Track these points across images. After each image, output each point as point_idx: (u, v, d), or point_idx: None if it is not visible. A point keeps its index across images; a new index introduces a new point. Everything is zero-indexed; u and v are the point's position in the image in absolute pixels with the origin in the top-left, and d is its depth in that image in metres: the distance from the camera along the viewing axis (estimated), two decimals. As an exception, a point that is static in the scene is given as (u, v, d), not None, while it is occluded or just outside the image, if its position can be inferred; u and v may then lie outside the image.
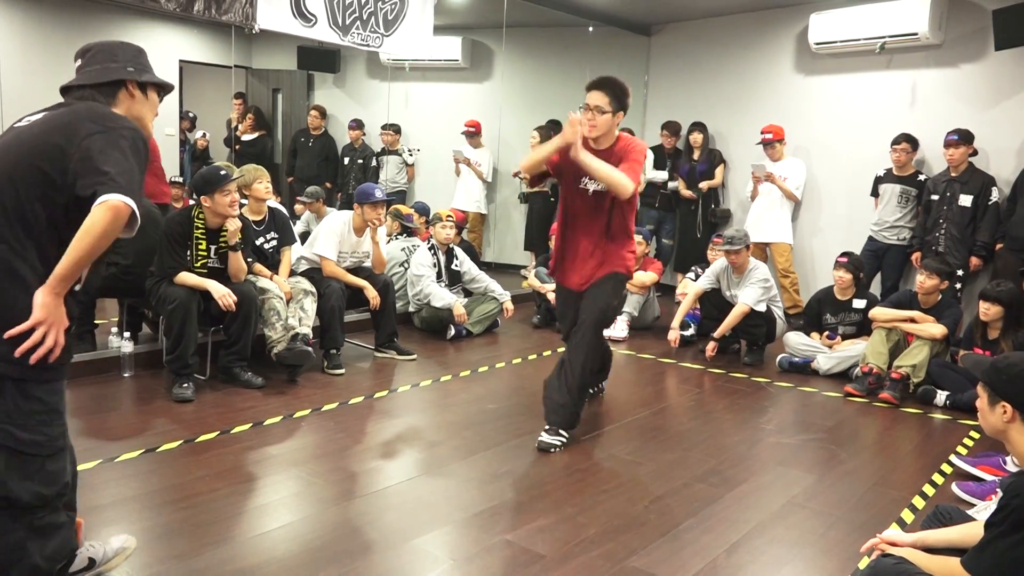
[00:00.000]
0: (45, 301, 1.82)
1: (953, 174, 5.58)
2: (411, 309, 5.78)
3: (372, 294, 4.80)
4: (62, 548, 1.99)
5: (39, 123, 1.95)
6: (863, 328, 5.06)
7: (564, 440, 3.57)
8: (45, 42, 7.18)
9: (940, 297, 4.75)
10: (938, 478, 3.44)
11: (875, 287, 6.04)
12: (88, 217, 1.81)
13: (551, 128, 7.87)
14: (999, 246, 5.39)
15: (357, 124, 8.36)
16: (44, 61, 7.16)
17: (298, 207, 6.85)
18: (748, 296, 5.14)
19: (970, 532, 1.97)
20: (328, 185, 8.33)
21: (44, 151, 1.87)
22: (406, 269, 5.82)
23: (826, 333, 5.20)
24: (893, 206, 5.95)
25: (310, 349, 4.34)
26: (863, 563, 2.46)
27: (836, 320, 5.19)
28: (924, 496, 3.24)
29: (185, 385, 3.95)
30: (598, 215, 3.60)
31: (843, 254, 5.19)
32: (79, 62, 2.11)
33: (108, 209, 1.80)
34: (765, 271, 5.30)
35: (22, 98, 6.62)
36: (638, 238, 6.02)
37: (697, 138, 7.16)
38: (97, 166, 1.83)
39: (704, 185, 7.11)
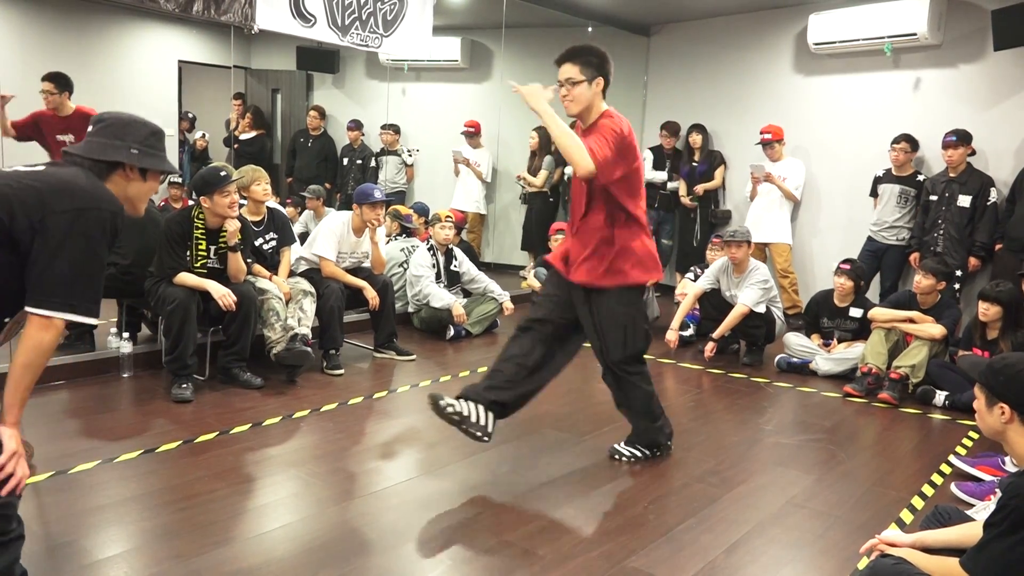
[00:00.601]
0: (12, 434, 1.84)
1: (952, 175, 5.58)
2: (410, 309, 5.78)
3: (371, 294, 4.80)
4: None
5: (31, 176, 1.92)
6: (859, 334, 5.05)
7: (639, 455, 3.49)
8: (44, 42, 7.18)
9: (939, 297, 4.75)
10: (937, 478, 3.44)
11: (874, 287, 6.05)
12: (28, 338, 1.84)
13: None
14: (998, 246, 5.39)
15: (356, 124, 8.36)
16: (43, 61, 7.14)
17: (289, 209, 6.82)
18: (748, 297, 5.14)
19: (969, 532, 1.97)
20: (327, 186, 8.33)
21: (20, 203, 1.84)
22: (405, 269, 5.82)
23: (821, 342, 5.20)
24: (892, 206, 5.96)
25: (309, 350, 4.34)
26: (862, 563, 2.46)
27: (832, 325, 5.19)
28: (923, 496, 3.24)
29: (184, 386, 3.95)
30: (586, 200, 3.23)
31: (845, 261, 5.19)
32: (91, 129, 2.07)
33: (46, 328, 1.85)
34: (765, 272, 5.30)
35: (21, 98, 6.62)
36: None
37: (696, 139, 7.16)
38: (47, 267, 1.83)
39: (700, 188, 7.12)
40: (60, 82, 5.17)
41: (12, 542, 1.87)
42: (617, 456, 3.46)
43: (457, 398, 3.16)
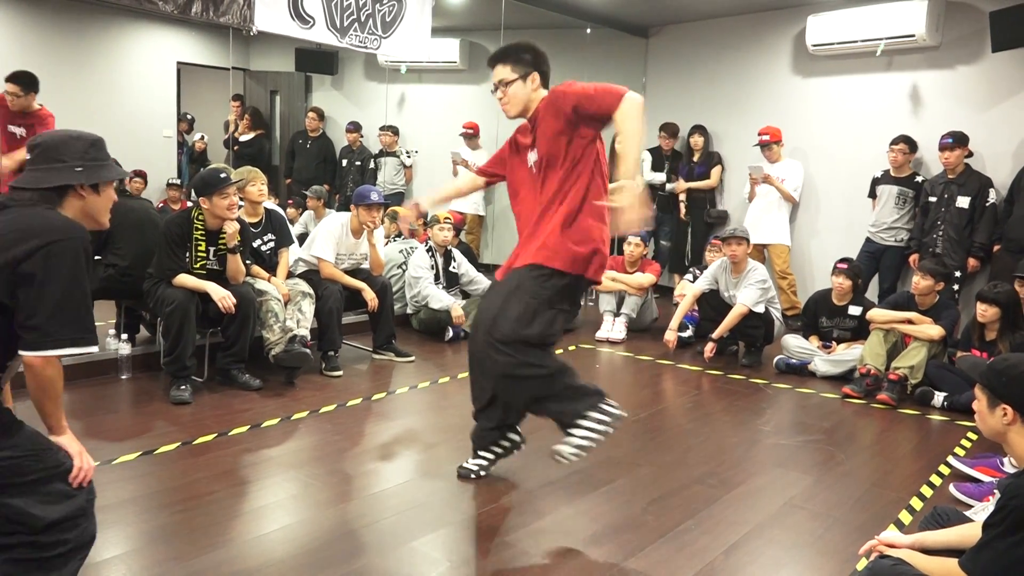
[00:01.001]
0: (69, 437, 1.98)
1: (950, 176, 5.58)
2: (409, 311, 5.78)
3: (370, 296, 4.80)
4: None
5: None
6: (858, 333, 5.06)
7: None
8: (44, 44, 7.19)
9: (938, 298, 4.75)
10: (936, 479, 3.44)
11: (872, 288, 6.05)
12: (34, 378, 1.87)
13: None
14: (997, 247, 5.40)
15: (355, 126, 8.36)
16: (43, 63, 7.13)
17: (290, 211, 6.82)
18: (747, 297, 5.14)
19: (968, 533, 1.97)
20: (326, 187, 8.34)
21: None
22: (404, 271, 5.82)
23: (820, 343, 5.20)
24: (891, 207, 5.96)
25: (308, 351, 4.34)
26: (861, 564, 2.46)
27: (831, 324, 5.19)
28: (922, 497, 3.24)
29: (183, 387, 3.94)
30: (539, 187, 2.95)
31: (842, 260, 5.19)
32: (29, 157, 1.97)
33: (45, 365, 1.86)
34: (763, 272, 5.30)
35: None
36: (636, 239, 6.05)
37: (698, 141, 7.17)
38: (34, 310, 1.81)
39: (683, 186, 7.12)
40: (26, 83, 5.07)
41: (85, 546, 1.95)
42: (561, 457, 2.90)
43: (477, 453, 3.19)
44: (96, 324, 1.97)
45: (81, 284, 1.86)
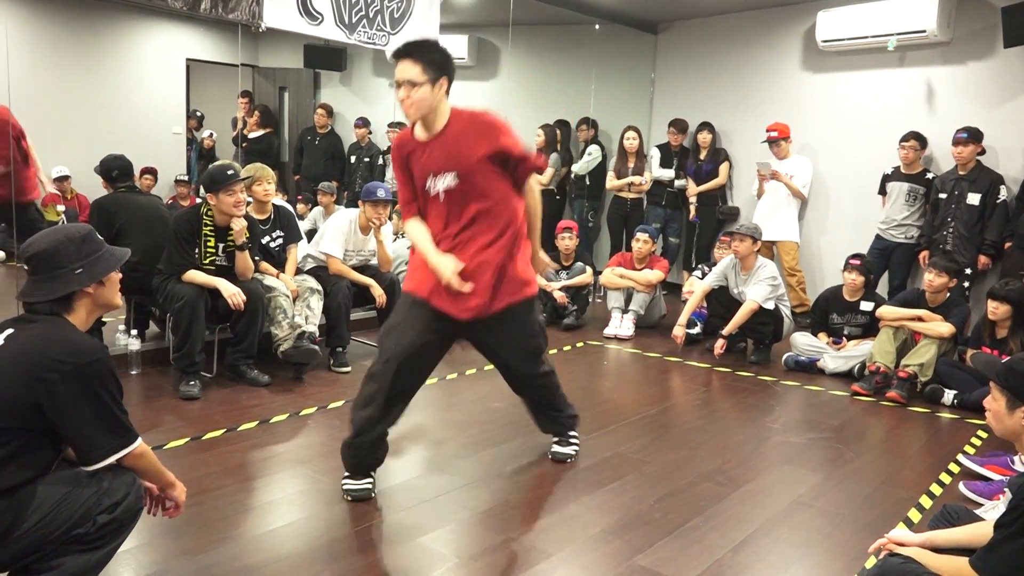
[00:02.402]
0: (180, 489, 2.23)
1: (961, 172, 5.55)
2: (417, 307, 5.77)
3: (378, 292, 4.80)
4: None
5: (4, 352, 1.90)
6: (869, 330, 5.04)
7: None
8: (54, 41, 7.21)
9: (948, 296, 4.73)
10: (945, 477, 3.43)
11: (882, 286, 6.02)
12: (135, 471, 2.05)
13: (557, 127, 7.88)
14: (1008, 245, 5.36)
15: (363, 122, 8.37)
16: (52, 60, 7.20)
17: (300, 207, 6.84)
18: (757, 293, 5.13)
19: (979, 532, 1.96)
20: (335, 183, 8.35)
21: (12, 398, 1.85)
22: (412, 267, 5.81)
23: (831, 339, 5.18)
24: (901, 204, 5.93)
25: (316, 347, 4.35)
26: (870, 563, 2.46)
27: (843, 320, 5.16)
28: (931, 495, 3.22)
29: (192, 383, 3.96)
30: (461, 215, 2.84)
31: (854, 256, 5.17)
32: (28, 268, 2.00)
33: (139, 457, 2.03)
34: (773, 269, 5.28)
35: (32, 97, 6.65)
36: (645, 236, 6.04)
37: (706, 138, 7.14)
38: (77, 432, 1.90)
39: (694, 190, 7.15)
40: None
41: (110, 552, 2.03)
42: (565, 457, 3.38)
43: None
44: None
45: (113, 396, 1.94)
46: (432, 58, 2.74)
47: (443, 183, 2.79)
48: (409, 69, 2.73)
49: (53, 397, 1.85)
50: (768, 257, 6.26)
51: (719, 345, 5.24)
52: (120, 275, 2.12)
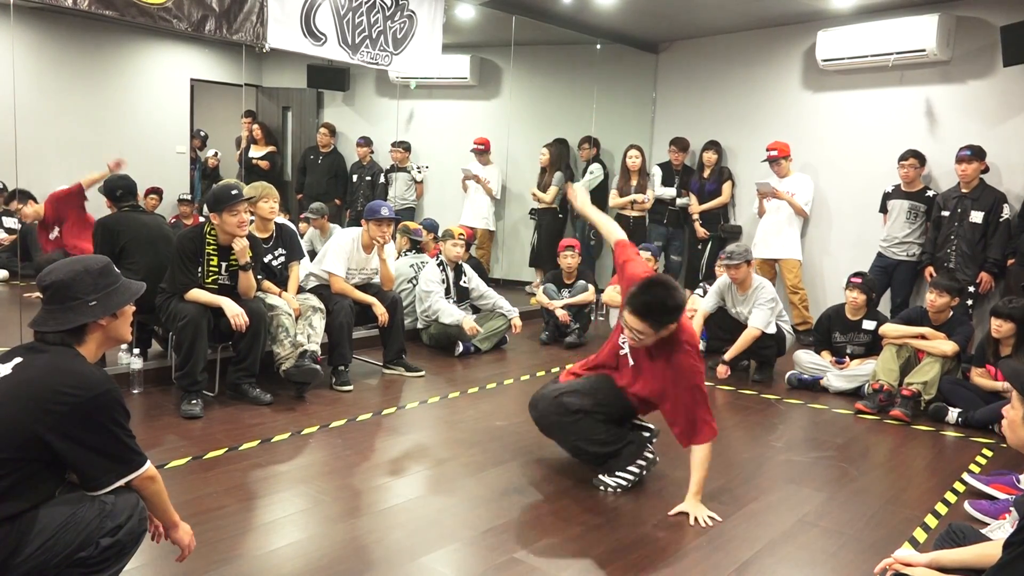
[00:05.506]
0: (185, 530, 2.21)
1: (964, 190, 5.56)
2: (419, 325, 5.78)
3: (380, 311, 4.80)
4: None
5: (12, 380, 1.90)
6: (872, 348, 5.02)
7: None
8: (60, 61, 7.29)
9: (951, 314, 4.72)
10: (951, 496, 3.40)
11: (885, 303, 6.02)
12: (142, 497, 2.05)
13: (559, 146, 7.92)
14: (1010, 262, 5.36)
15: (366, 141, 8.41)
16: (58, 79, 7.26)
17: (302, 225, 6.87)
18: (758, 320, 5.09)
19: (985, 552, 1.94)
20: (337, 202, 8.38)
21: (17, 428, 1.85)
22: (415, 286, 5.83)
23: (833, 359, 5.16)
24: (902, 222, 5.94)
25: (318, 367, 4.34)
26: (876, 583, 2.43)
27: (845, 339, 5.15)
28: (937, 515, 3.20)
29: (194, 401, 3.96)
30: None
31: (856, 274, 5.16)
32: (44, 297, 2.02)
33: (149, 480, 2.04)
34: (771, 289, 5.24)
35: (38, 116, 6.71)
36: (647, 254, 6.04)
37: (711, 157, 7.16)
38: (86, 461, 1.91)
39: (697, 208, 7.17)
40: None
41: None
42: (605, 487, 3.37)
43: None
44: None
45: (121, 424, 1.95)
46: (663, 321, 3.05)
47: (634, 377, 3.37)
48: (638, 324, 3.05)
49: (60, 429, 1.85)
50: (771, 275, 6.26)
51: (723, 371, 5.19)
52: (134, 308, 2.14)
